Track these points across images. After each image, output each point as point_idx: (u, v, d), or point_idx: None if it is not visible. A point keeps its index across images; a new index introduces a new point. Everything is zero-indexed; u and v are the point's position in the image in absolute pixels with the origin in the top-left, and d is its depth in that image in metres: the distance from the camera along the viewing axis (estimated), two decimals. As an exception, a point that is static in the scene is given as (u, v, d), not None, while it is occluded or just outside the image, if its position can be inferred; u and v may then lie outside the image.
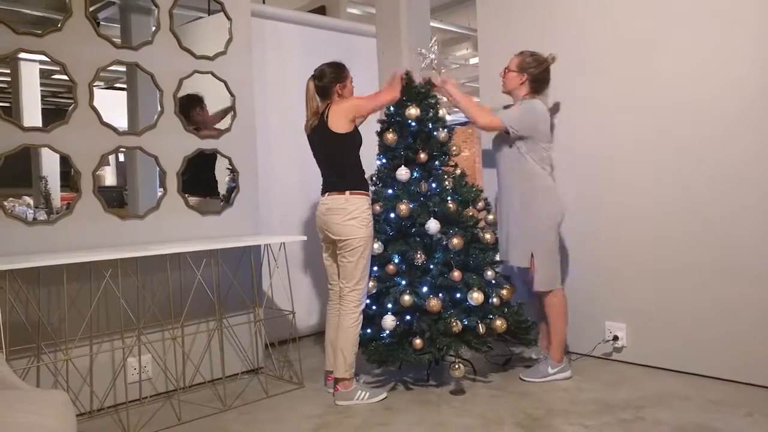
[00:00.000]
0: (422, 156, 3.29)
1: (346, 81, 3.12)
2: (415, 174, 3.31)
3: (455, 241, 3.17)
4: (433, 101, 3.38)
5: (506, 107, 3.45)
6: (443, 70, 3.50)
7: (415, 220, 3.22)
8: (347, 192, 3.04)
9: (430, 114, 3.35)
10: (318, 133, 3.11)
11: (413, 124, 3.31)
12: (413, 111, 3.26)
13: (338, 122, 3.03)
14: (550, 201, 3.27)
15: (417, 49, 3.61)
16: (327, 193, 3.11)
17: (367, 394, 3.07)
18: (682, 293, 3.29)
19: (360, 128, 3.16)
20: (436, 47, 3.45)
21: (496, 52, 3.94)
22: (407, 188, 3.29)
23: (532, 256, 3.27)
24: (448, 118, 3.53)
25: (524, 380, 3.28)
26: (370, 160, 3.33)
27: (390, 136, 3.30)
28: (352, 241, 3.02)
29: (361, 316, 3.10)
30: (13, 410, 1.83)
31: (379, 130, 3.40)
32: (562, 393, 3.11)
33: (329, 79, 3.08)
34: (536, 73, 3.29)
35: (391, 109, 3.35)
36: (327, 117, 3.05)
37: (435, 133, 3.34)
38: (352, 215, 3.02)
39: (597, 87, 3.56)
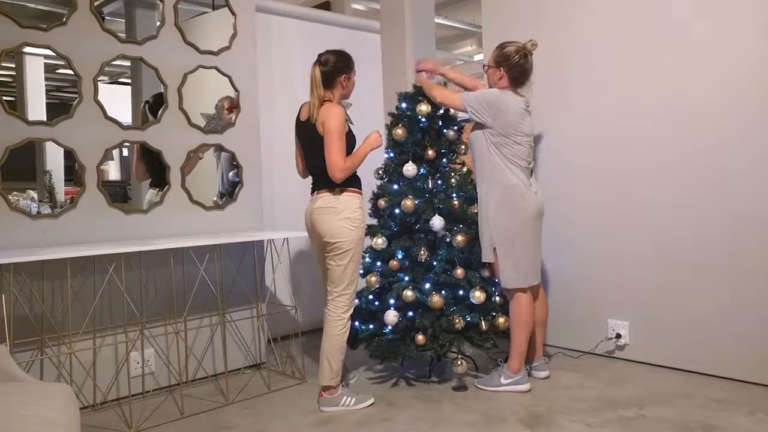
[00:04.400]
0: (430, 153, 3.28)
1: (351, 73, 2.96)
2: (422, 170, 3.30)
3: (459, 238, 3.16)
4: None
5: None
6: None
7: (420, 216, 3.22)
8: (338, 189, 2.86)
9: (441, 111, 3.35)
10: (308, 129, 2.90)
11: (424, 120, 3.30)
12: (424, 108, 3.25)
13: (322, 129, 2.84)
14: (515, 198, 3.03)
15: None
16: (316, 192, 2.92)
17: (353, 399, 2.94)
18: (685, 291, 3.28)
19: (365, 123, 3.13)
20: None
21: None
22: (413, 184, 3.29)
23: (494, 251, 3.10)
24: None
25: (478, 387, 3.13)
26: (377, 154, 3.22)
27: (399, 131, 3.28)
28: (342, 243, 2.83)
29: (350, 322, 2.93)
30: (16, 403, 1.84)
31: (388, 123, 3.39)
32: (564, 390, 3.11)
33: (335, 68, 2.87)
34: (510, 66, 3.06)
35: (403, 104, 3.34)
36: (316, 118, 2.85)
37: (445, 130, 3.34)
38: (344, 215, 2.83)
39: (600, 86, 3.54)
